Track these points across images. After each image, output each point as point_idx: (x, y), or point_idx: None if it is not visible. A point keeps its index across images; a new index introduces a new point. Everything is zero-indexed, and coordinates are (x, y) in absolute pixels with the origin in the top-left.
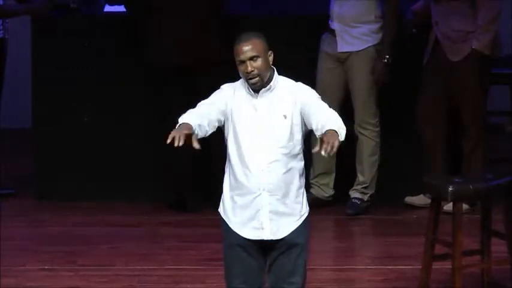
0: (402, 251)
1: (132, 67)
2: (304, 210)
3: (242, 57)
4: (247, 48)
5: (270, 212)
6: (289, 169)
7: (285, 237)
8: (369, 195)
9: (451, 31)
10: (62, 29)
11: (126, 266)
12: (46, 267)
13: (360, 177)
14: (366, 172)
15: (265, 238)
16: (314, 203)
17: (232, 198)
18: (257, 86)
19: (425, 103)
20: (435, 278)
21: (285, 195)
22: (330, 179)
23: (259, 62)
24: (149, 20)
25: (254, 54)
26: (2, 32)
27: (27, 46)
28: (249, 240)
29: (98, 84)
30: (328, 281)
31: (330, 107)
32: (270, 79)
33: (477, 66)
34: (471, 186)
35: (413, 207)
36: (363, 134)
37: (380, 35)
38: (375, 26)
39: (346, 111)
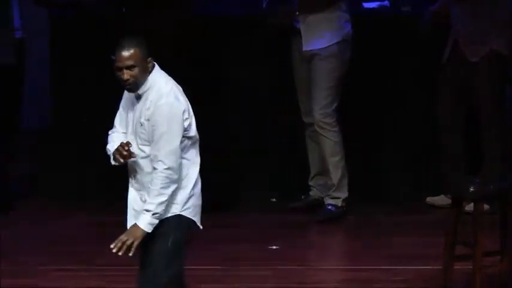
0: (422, 251)
1: None
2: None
3: (120, 64)
4: (126, 57)
5: (133, 209)
6: (152, 171)
7: None
8: (341, 199)
9: (469, 32)
10: (76, 29)
11: (128, 267)
12: (47, 267)
13: (329, 181)
14: (332, 174)
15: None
16: (313, 204)
17: None
18: (131, 90)
19: (443, 103)
20: (454, 279)
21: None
22: (326, 180)
23: (135, 71)
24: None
25: (131, 63)
26: (20, 32)
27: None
28: None
29: (97, 84)
30: (343, 281)
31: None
32: (143, 83)
33: (495, 66)
34: (492, 187)
35: (434, 207)
36: (322, 134)
37: (345, 31)
38: (339, 20)
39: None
